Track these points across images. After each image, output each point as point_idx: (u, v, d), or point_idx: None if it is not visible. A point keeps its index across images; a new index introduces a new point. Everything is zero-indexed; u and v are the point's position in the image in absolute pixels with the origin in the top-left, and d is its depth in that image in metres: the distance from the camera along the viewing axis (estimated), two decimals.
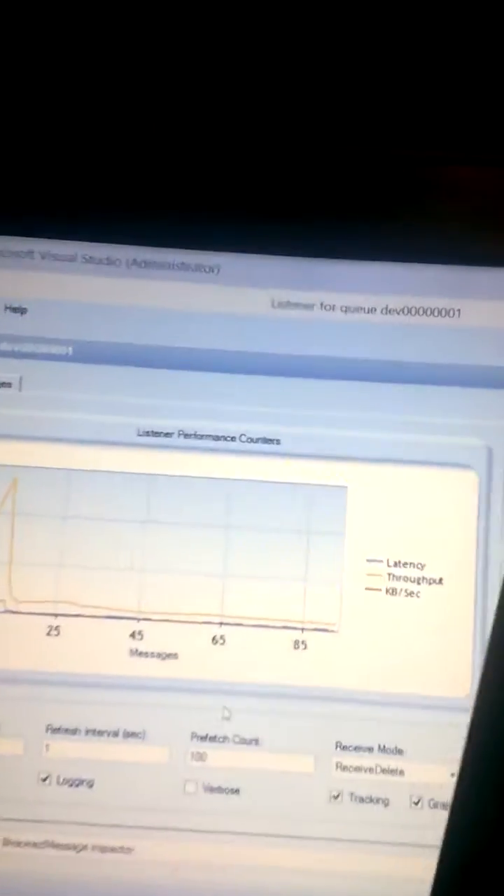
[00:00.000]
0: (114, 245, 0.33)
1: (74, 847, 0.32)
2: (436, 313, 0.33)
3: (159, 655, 0.32)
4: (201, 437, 0.33)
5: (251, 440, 0.33)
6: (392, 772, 0.32)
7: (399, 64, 0.33)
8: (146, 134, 0.33)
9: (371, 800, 0.32)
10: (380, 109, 0.33)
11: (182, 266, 0.33)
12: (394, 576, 0.32)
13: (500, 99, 0.33)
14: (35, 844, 0.32)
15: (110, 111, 0.33)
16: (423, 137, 0.33)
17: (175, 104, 0.34)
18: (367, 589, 0.33)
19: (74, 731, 0.32)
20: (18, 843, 0.32)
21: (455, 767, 0.18)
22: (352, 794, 0.32)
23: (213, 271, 0.33)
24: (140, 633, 0.32)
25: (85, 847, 0.32)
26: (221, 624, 0.33)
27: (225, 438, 0.33)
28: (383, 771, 0.32)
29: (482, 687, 0.18)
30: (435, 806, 0.32)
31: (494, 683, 0.18)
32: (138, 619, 0.32)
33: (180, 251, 0.33)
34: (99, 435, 0.33)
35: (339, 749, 0.32)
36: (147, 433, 0.33)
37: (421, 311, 0.33)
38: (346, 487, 0.33)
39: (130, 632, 0.32)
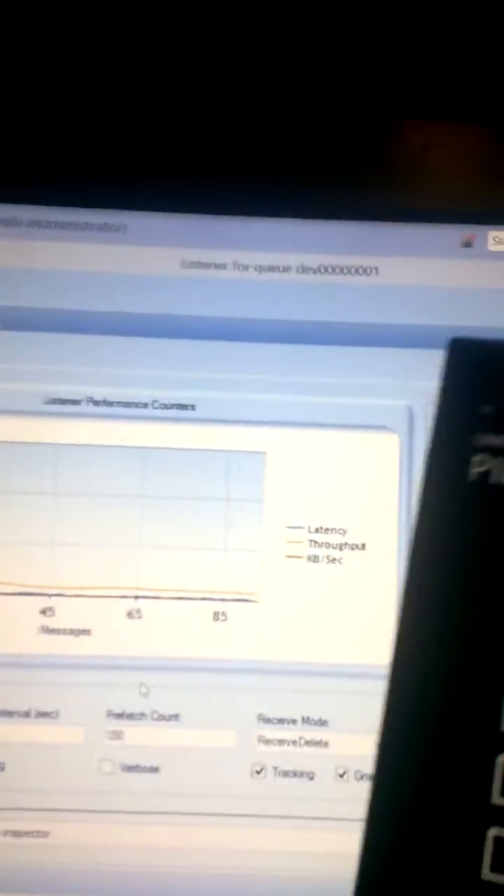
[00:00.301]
0: (13, 205, 0.32)
1: None
2: (353, 271, 0.32)
3: (72, 632, 0.31)
4: (111, 403, 0.32)
5: (164, 406, 0.32)
6: (316, 744, 0.31)
7: (311, 19, 0.32)
8: (47, 88, 0.32)
9: (295, 773, 0.31)
10: (292, 63, 0.32)
11: (86, 226, 0.32)
12: (315, 542, 0.32)
13: (413, 53, 0.32)
14: None
15: (11, 65, 0.32)
16: (337, 92, 0.32)
17: (80, 60, 0.32)
18: (287, 557, 0.32)
19: None
20: None
21: None
22: (275, 768, 0.31)
23: (119, 231, 0.32)
24: (51, 609, 0.31)
25: None
26: (137, 597, 0.31)
27: (137, 405, 0.32)
28: (307, 743, 0.31)
29: (393, 659, 0.17)
30: (361, 778, 0.31)
31: (404, 653, 0.17)
32: (49, 595, 0.31)
33: (84, 210, 0.32)
34: (2, 404, 0.31)
35: (261, 722, 0.31)
36: (54, 401, 0.32)
37: (337, 270, 0.32)
38: (264, 453, 0.32)
39: (41, 608, 0.31)
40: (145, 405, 0.32)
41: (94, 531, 0.31)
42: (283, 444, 0.32)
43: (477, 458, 0.18)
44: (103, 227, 0.32)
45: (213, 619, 0.31)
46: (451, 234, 0.31)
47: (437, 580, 0.17)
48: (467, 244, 0.31)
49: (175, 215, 0.32)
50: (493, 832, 0.16)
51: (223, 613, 0.31)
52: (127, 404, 0.32)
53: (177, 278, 0.32)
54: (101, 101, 0.32)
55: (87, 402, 0.32)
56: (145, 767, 0.31)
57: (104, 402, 0.32)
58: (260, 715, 0.31)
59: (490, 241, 0.31)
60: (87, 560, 0.31)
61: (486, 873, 0.16)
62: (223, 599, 0.31)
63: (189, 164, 0.32)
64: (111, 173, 0.32)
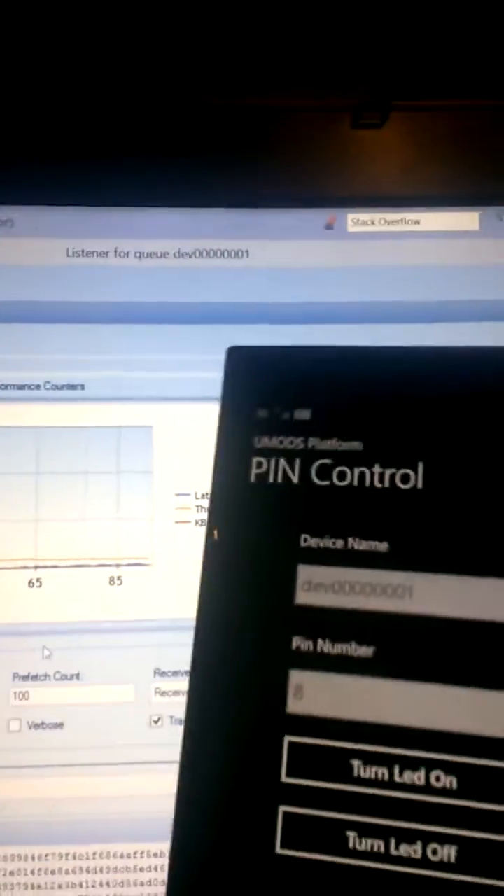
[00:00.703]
0: None
1: None
2: (226, 255, 0.34)
3: None
4: (5, 386, 0.34)
5: (56, 387, 0.34)
6: None
7: (181, 7, 0.34)
8: None
9: None
10: (166, 53, 0.34)
11: None
12: (202, 508, 0.34)
13: (272, 42, 0.34)
14: None
15: None
16: (204, 85, 0.34)
17: None
18: (176, 522, 0.34)
19: None
20: None
21: None
22: (171, 717, 0.33)
23: (7, 224, 0.34)
24: None
25: None
26: (37, 567, 0.33)
27: (29, 387, 0.34)
28: None
29: (193, 644, 0.19)
30: None
31: (200, 641, 0.19)
32: None
33: None
34: None
35: (157, 676, 0.33)
36: None
37: (212, 254, 0.34)
38: (151, 427, 0.34)
39: None
40: (38, 387, 0.34)
41: None
42: (169, 418, 0.34)
43: (256, 460, 0.20)
44: None
45: (109, 583, 0.34)
46: (314, 217, 0.34)
47: (224, 572, 0.19)
48: (329, 226, 0.34)
49: (59, 208, 0.34)
50: (282, 809, 0.18)
51: (118, 578, 0.34)
52: (20, 386, 0.34)
53: (63, 267, 0.34)
54: None
55: None
56: (50, 724, 0.33)
57: None
58: (156, 669, 0.33)
59: (349, 222, 0.34)
60: None
61: (279, 848, 0.18)
62: (118, 565, 0.34)
63: (70, 159, 0.34)
64: None
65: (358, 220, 0.34)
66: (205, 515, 0.34)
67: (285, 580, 0.19)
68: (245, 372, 0.21)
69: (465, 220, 0.34)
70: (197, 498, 0.34)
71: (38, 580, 0.33)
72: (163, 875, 0.33)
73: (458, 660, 0.17)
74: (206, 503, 0.34)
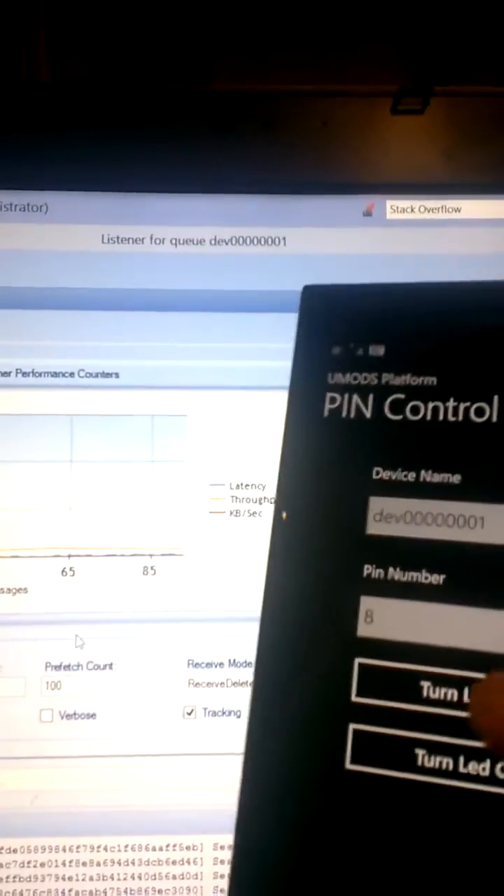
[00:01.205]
0: None
1: None
2: (262, 242, 0.34)
3: (9, 591, 0.33)
4: (40, 374, 0.34)
5: (90, 375, 0.34)
6: (243, 684, 0.33)
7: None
8: None
9: (224, 713, 0.33)
10: (201, 47, 0.34)
11: (10, 206, 0.34)
12: (236, 498, 0.34)
13: (324, 28, 0.34)
14: None
15: None
16: (245, 68, 0.34)
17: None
18: (211, 513, 0.34)
19: None
20: None
21: None
22: (205, 708, 0.33)
23: (41, 210, 0.34)
24: None
25: None
26: (70, 556, 0.33)
27: (64, 375, 0.34)
28: (234, 684, 0.33)
29: (266, 581, 0.19)
30: None
31: (273, 576, 0.19)
32: None
33: (7, 191, 0.33)
34: None
35: (190, 667, 0.33)
36: None
37: (248, 241, 0.34)
38: (185, 416, 0.34)
39: None
40: (72, 374, 0.34)
41: (28, 495, 0.33)
42: (203, 407, 0.34)
43: (329, 395, 0.20)
44: (26, 208, 0.34)
45: (143, 573, 0.33)
46: (353, 204, 0.34)
47: (300, 509, 0.19)
48: (368, 213, 0.33)
49: (94, 194, 0.34)
50: (353, 726, 0.18)
51: (152, 568, 0.33)
52: (55, 374, 0.34)
53: (98, 253, 0.34)
54: (20, 89, 0.33)
55: (17, 373, 0.34)
56: (83, 714, 0.33)
57: (33, 373, 0.34)
58: (189, 661, 0.33)
59: (388, 209, 0.34)
60: (22, 522, 0.33)
61: (349, 764, 0.18)
62: (151, 555, 0.33)
63: (107, 145, 0.33)
64: (33, 155, 0.33)
65: (397, 207, 0.34)
66: (239, 506, 0.34)
67: (357, 511, 0.19)
68: (320, 309, 0.21)
69: None
70: (231, 488, 0.34)
71: (71, 569, 0.33)
72: (195, 868, 0.33)
73: None
74: (240, 493, 0.34)
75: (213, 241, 0.34)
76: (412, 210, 0.34)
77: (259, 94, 0.34)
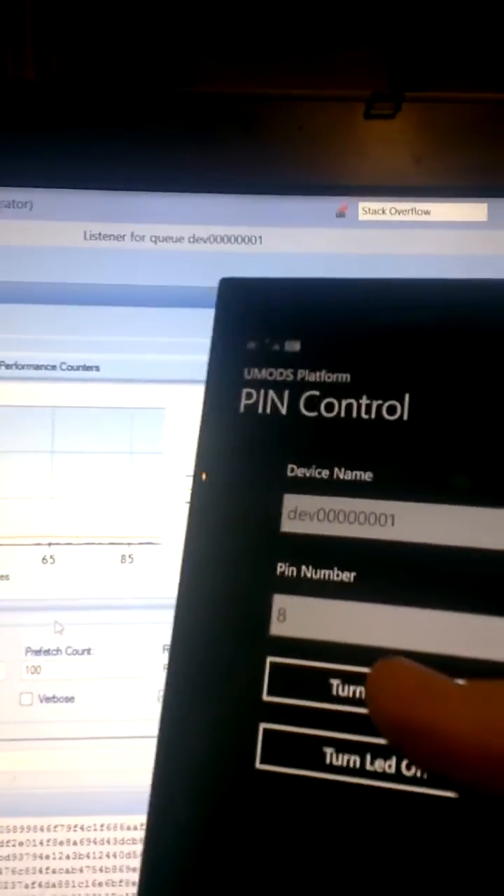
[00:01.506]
0: None
1: None
2: (239, 241, 0.35)
3: None
4: (22, 367, 0.34)
5: (71, 368, 0.35)
6: None
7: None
8: None
9: None
10: (184, 49, 0.35)
11: None
12: None
13: (297, 31, 0.35)
14: None
15: None
16: (222, 69, 0.35)
17: None
18: (187, 503, 0.34)
19: None
20: None
21: None
22: None
23: (25, 206, 0.35)
24: None
25: None
26: (50, 544, 0.34)
27: (46, 367, 0.35)
28: None
29: (179, 577, 0.19)
30: None
31: (185, 572, 0.19)
32: None
33: None
34: None
35: (166, 652, 0.34)
36: None
37: (225, 239, 0.35)
38: (163, 409, 0.35)
39: None
40: (54, 367, 0.35)
41: (9, 485, 0.34)
42: (181, 400, 0.35)
43: (245, 391, 0.20)
44: (10, 204, 0.35)
45: (121, 561, 0.34)
46: (326, 205, 0.35)
47: (215, 506, 0.20)
48: (341, 214, 0.35)
49: (77, 191, 0.35)
50: (263, 726, 0.18)
51: (130, 556, 0.34)
52: (37, 367, 0.35)
53: (80, 249, 0.35)
54: (8, 87, 0.34)
55: (1, 366, 0.34)
56: (61, 698, 0.34)
57: (15, 365, 0.34)
58: (165, 646, 0.34)
59: (360, 211, 0.35)
60: (4, 512, 0.34)
61: (259, 764, 0.18)
62: (129, 543, 0.34)
63: (91, 144, 0.34)
64: (18, 153, 0.34)
65: (369, 208, 0.35)
66: None
67: (271, 509, 0.19)
68: (236, 303, 0.21)
69: (474, 210, 0.35)
70: (194, 461, 0.35)
71: (51, 556, 0.34)
72: None
73: (436, 585, 0.18)
74: None
75: (191, 239, 0.35)
76: (383, 212, 0.35)
77: (239, 97, 0.35)
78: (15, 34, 0.38)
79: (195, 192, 0.35)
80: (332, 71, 0.35)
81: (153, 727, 0.33)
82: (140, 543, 0.34)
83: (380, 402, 0.19)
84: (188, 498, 0.34)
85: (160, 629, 0.34)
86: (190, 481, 0.34)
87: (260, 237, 0.35)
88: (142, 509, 0.34)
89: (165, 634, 0.34)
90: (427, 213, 0.35)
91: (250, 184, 0.35)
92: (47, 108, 0.34)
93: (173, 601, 0.34)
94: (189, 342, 0.35)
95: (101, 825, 0.34)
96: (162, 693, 0.19)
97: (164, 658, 0.34)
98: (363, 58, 0.37)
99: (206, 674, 0.18)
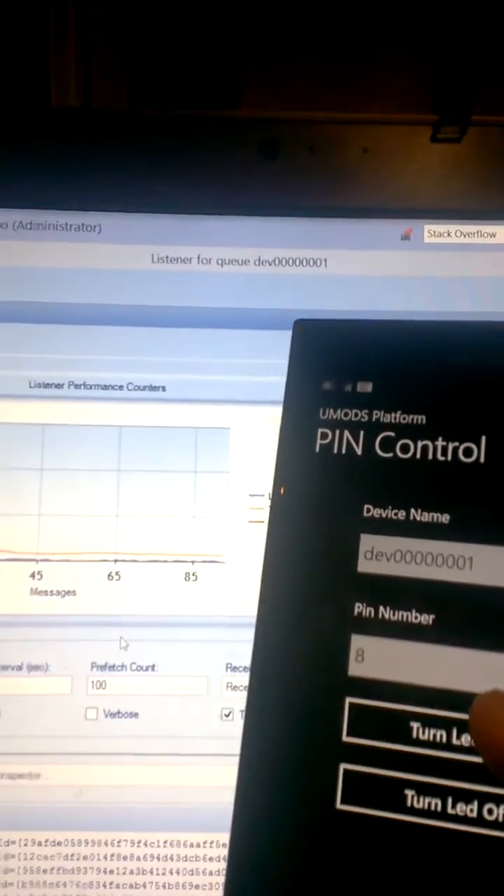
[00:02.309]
0: (1, 209, 0.35)
1: None
2: (304, 263, 0.35)
3: (59, 593, 0.34)
4: (90, 387, 0.35)
5: (138, 388, 0.35)
6: None
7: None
8: (24, 99, 0.35)
9: None
10: (229, 73, 0.36)
11: (66, 226, 0.35)
12: None
13: (364, 56, 0.35)
14: None
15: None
16: (289, 93, 0.35)
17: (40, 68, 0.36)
18: (250, 522, 0.35)
19: None
20: None
21: None
22: (242, 711, 0.34)
23: (94, 230, 0.35)
24: (40, 573, 0.34)
25: None
26: (116, 561, 0.35)
27: (113, 387, 0.35)
28: None
29: (257, 616, 0.20)
30: None
31: (265, 612, 0.19)
32: (37, 561, 0.34)
33: (63, 212, 0.35)
34: None
35: (229, 670, 0.34)
36: (39, 385, 0.35)
37: (291, 262, 0.35)
38: (228, 429, 0.35)
39: (30, 572, 0.34)
40: (121, 387, 0.35)
41: (76, 503, 0.35)
42: (245, 420, 0.35)
43: (321, 430, 0.20)
44: (80, 228, 0.35)
45: (185, 579, 0.35)
46: (392, 228, 0.35)
47: (289, 540, 0.20)
48: (406, 237, 0.35)
49: (145, 216, 0.35)
50: (343, 766, 0.18)
51: (194, 574, 0.35)
52: (105, 387, 0.35)
53: (147, 272, 0.35)
54: (71, 116, 0.35)
55: (69, 385, 0.35)
56: (126, 713, 0.34)
57: (84, 385, 0.35)
58: (228, 664, 0.34)
59: (426, 234, 0.35)
60: (70, 529, 0.35)
61: (340, 804, 0.18)
62: (193, 561, 0.35)
63: (158, 169, 0.35)
64: (87, 178, 0.35)
65: (434, 231, 0.35)
66: None
67: (348, 549, 0.19)
68: (311, 344, 0.21)
69: None
70: (270, 499, 0.35)
71: (117, 573, 0.35)
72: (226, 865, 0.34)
73: None
74: None
75: (257, 262, 0.35)
76: (448, 234, 0.35)
77: (304, 121, 0.35)
78: (59, 62, 0.39)
79: (261, 215, 0.35)
80: (398, 96, 0.35)
81: (216, 745, 0.34)
82: (204, 562, 0.35)
83: (456, 444, 0.19)
84: (252, 517, 0.35)
85: (223, 647, 0.34)
86: (253, 501, 0.35)
87: (325, 260, 0.35)
88: (206, 528, 0.35)
89: (228, 653, 0.34)
90: (493, 235, 0.35)
91: (315, 207, 0.35)
92: (115, 134, 0.35)
93: (236, 619, 0.34)
94: (254, 363, 0.35)
95: (165, 841, 0.34)
96: (242, 724, 0.19)
97: (228, 676, 0.34)
98: (408, 82, 0.38)
99: (286, 713, 0.19)
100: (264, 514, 0.35)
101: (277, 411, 0.35)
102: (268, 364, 0.35)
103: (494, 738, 0.15)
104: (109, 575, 0.35)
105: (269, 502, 0.35)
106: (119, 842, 0.34)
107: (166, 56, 0.38)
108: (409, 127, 0.35)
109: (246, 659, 0.34)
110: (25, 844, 0.34)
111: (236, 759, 0.34)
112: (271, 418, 0.35)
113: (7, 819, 0.34)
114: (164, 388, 0.35)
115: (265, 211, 0.35)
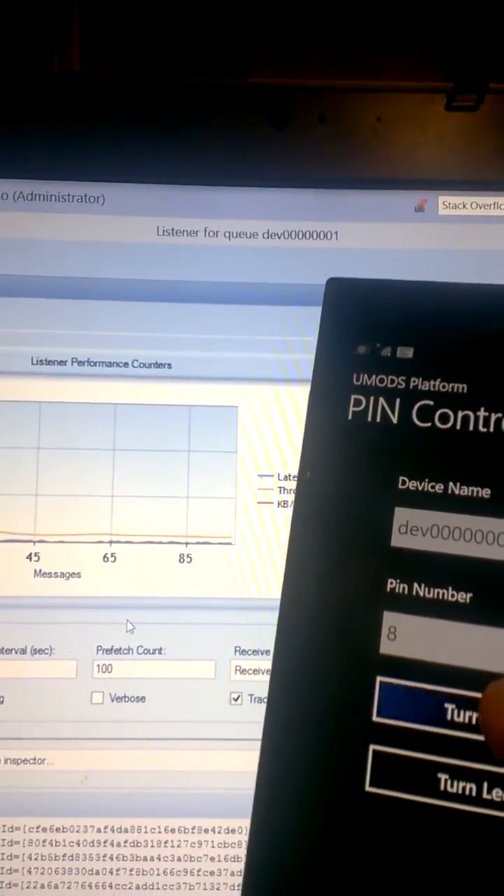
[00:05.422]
0: (1, 179, 0.34)
1: None
2: (314, 236, 0.34)
3: (63, 575, 0.34)
4: (94, 363, 0.34)
5: (143, 365, 0.34)
6: None
7: None
8: (26, 65, 0.34)
9: None
10: (238, 40, 0.35)
11: (68, 197, 0.34)
12: (283, 489, 0.34)
13: (364, 28, 0.34)
14: None
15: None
16: (297, 62, 0.34)
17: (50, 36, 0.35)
18: (259, 503, 0.34)
19: None
20: None
21: None
22: (251, 695, 0.34)
23: (98, 201, 0.34)
24: (37, 554, 0.34)
25: None
26: (119, 542, 0.34)
27: (118, 364, 0.34)
28: None
29: (283, 590, 0.19)
30: None
31: (291, 585, 0.19)
32: (34, 542, 0.34)
33: (65, 182, 0.34)
34: None
35: (237, 654, 0.34)
36: (41, 362, 0.34)
37: (300, 235, 0.34)
38: (236, 407, 0.34)
39: (27, 554, 0.34)
40: (125, 364, 0.34)
41: (76, 482, 0.34)
42: (253, 399, 0.34)
43: (354, 397, 0.19)
44: (83, 199, 0.34)
45: (193, 560, 0.34)
46: (405, 199, 0.34)
47: (318, 512, 0.19)
48: (419, 209, 0.34)
49: (150, 186, 0.34)
50: (373, 748, 0.17)
51: (202, 555, 0.34)
52: (109, 364, 0.34)
53: (153, 245, 0.34)
54: (78, 81, 0.34)
55: (73, 362, 0.34)
56: (133, 698, 0.33)
57: (87, 362, 0.34)
58: (236, 647, 0.34)
59: (440, 205, 0.34)
60: (69, 508, 0.34)
61: (369, 786, 0.17)
62: (202, 542, 0.34)
63: (163, 138, 0.34)
64: (90, 147, 0.34)
65: (449, 203, 0.34)
66: (287, 497, 0.34)
67: (381, 522, 0.18)
68: (345, 305, 0.19)
69: None
70: (279, 479, 0.34)
71: (118, 554, 0.34)
72: (236, 851, 0.33)
73: None
74: (288, 484, 0.34)
75: (266, 235, 0.34)
76: (464, 206, 0.34)
77: (315, 90, 0.34)
78: (62, 28, 0.37)
79: (270, 186, 0.34)
80: (412, 62, 0.34)
81: (225, 729, 0.33)
82: (212, 543, 0.34)
83: (499, 414, 0.18)
84: (260, 498, 0.34)
85: (232, 630, 0.34)
86: (262, 481, 0.34)
87: (336, 232, 0.34)
88: (213, 508, 0.34)
89: (237, 635, 0.34)
90: None
91: (326, 178, 0.34)
92: (119, 101, 0.34)
93: (244, 601, 0.34)
94: (263, 340, 0.34)
95: (172, 827, 0.33)
96: (266, 703, 0.18)
97: (236, 659, 0.33)
98: (422, 49, 0.36)
99: (312, 688, 0.18)
100: (273, 496, 0.34)
101: (286, 389, 0.34)
102: (277, 341, 0.34)
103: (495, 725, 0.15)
104: (113, 556, 0.34)
105: (277, 483, 0.34)
106: (126, 828, 0.33)
107: (173, 23, 0.37)
108: (424, 95, 0.33)
109: (255, 642, 0.34)
110: (30, 830, 0.33)
111: (245, 744, 0.33)
112: (281, 396, 0.34)
113: (12, 805, 0.33)
114: (169, 366, 0.34)
115: (274, 182, 0.34)
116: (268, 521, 0.34)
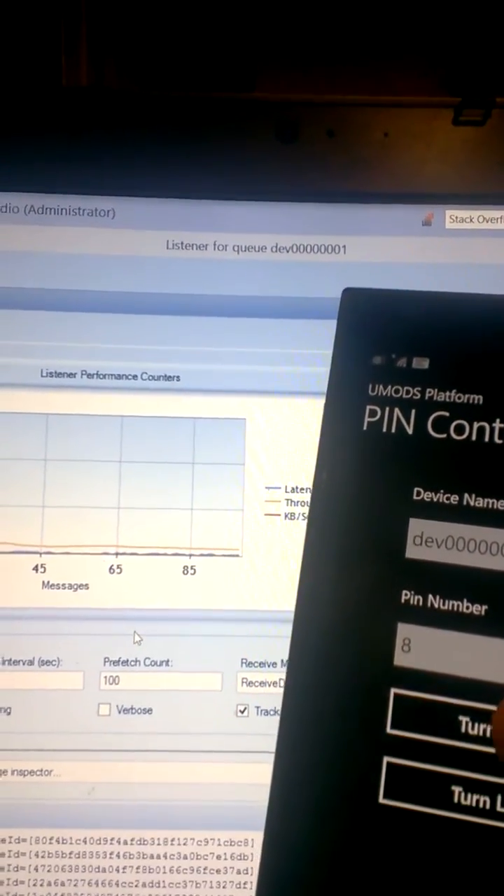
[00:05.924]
0: (11, 193, 0.34)
1: None
2: (322, 250, 0.35)
3: (70, 587, 0.34)
4: (104, 376, 0.34)
5: (152, 378, 0.34)
6: None
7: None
8: (34, 79, 0.34)
9: (276, 712, 0.34)
10: (244, 55, 0.35)
11: (78, 211, 0.35)
12: (291, 501, 0.34)
13: (371, 43, 0.34)
14: None
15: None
16: (303, 78, 0.35)
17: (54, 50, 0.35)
18: (266, 515, 0.34)
19: None
20: None
21: None
22: (257, 707, 0.34)
23: (107, 215, 0.35)
24: (43, 566, 0.34)
25: (5, 772, 0.33)
26: (126, 554, 0.34)
27: (127, 377, 0.34)
28: None
29: (297, 601, 0.19)
30: None
31: (305, 596, 0.19)
32: (41, 553, 0.34)
33: (75, 196, 0.34)
34: (2, 377, 0.34)
35: (244, 666, 0.34)
36: (51, 374, 0.34)
37: (309, 249, 0.35)
38: (244, 419, 0.34)
39: (34, 565, 0.34)
40: (134, 377, 0.34)
41: (84, 494, 0.34)
42: (262, 411, 0.34)
43: (369, 408, 0.19)
44: (93, 213, 0.35)
45: (201, 572, 0.34)
46: (412, 213, 0.34)
47: (333, 521, 0.19)
48: (427, 223, 0.34)
49: (160, 200, 0.35)
50: (387, 759, 0.17)
51: (210, 567, 0.34)
52: (118, 376, 0.34)
53: (162, 259, 0.35)
54: (89, 95, 0.34)
55: (82, 374, 0.34)
56: (139, 709, 0.34)
57: (97, 374, 0.34)
58: (243, 659, 0.34)
59: (448, 219, 0.34)
60: (76, 520, 0.34)
61: (382, 798, 0.17)
62: (209, 555, 0.34)
63: (173, 153, 0.34)
64: (101, 162, 0.34)
65: (456, 216, 0.34)
66: (294, 509, 0.34)
67: (396, 533, 0.18)
68: (361, 315, 0.19)
69: None
70: (287, 491, 0.34)
71: (118, 566, 0.34)
72: (240, 863, 0.33)
73: None
74: (295, 497, 0.34)
75: (274, 249, 0.35)
76: (471, 220, 0.34)
77: (323, 104, 0.34)
78: (70, 42, 0.38)
79: (278, 200, 0.35)
80: (420, 78, 0.34)
81: (231, 742, 0.33)
82: (219, 555, 0.34)
83: None
84: (268, 510, 0.34)
85: (239, 642, 0.34)
86: (269, 493, 0.34)
87: (344, 246, 0.34)
88: (221, 521, 0.34)
89: (243, 648, 0.34)
90: None
91: (334, 192, 0.34)
92: (128, 116, 0.34)
93: (252, 614, 0.34)
94: (271, 353, 0.34)
95: (180, 839, 0.33)
96: (279, 713, 0.18)
97: (243, 672, 0.33)
98: (422, 65, 0.37)
99: (326, 699, 0.18)
100: (280, 508, 0.34)
101: (294, 402, 0.34)
102: (285, 353, 0.34)
103: None
104: (119, 568, 0.34)
105: (284, 495, 0.34)
106: (132, 839, 0.33)
107: (181, 38, 0.37)
108: (431, 110, 0.34)
109: (262, 654, 0.34)
110: (37, 842, 0.33)
111: (252, 756, 0.33)
112: (289, 409, 0.34)
113: (19, 816, 0.33)
114: (178, 378, 0.34)
115: (283, 196, 0.34)
116: (275, 534, 0.34)
